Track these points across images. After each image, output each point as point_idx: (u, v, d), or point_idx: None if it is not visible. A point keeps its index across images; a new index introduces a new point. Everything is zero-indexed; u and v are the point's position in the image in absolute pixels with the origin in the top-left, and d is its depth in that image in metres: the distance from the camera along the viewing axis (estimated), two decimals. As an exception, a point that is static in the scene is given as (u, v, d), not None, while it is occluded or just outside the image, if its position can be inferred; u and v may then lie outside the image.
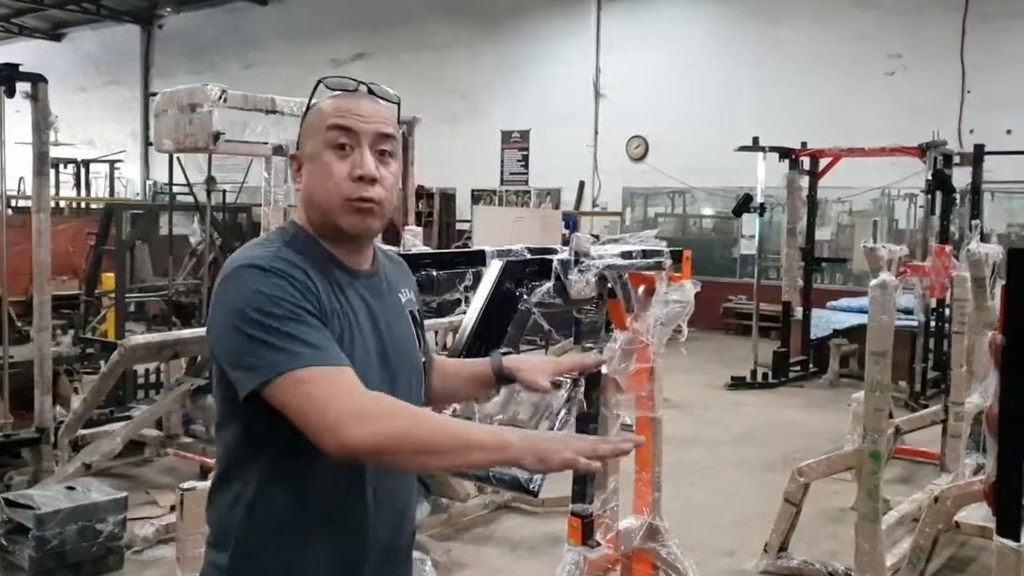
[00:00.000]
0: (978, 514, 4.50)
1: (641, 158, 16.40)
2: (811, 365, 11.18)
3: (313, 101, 1.84)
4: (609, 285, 3.25)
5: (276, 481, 1.74)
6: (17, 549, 4.68)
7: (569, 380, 2.15)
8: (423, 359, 1.97)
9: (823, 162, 11.13)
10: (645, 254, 3.41)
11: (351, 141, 1.76)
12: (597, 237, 3.55)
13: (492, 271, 2.87)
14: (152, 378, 7.99)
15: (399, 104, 1.89)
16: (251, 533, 1.75)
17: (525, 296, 2.85)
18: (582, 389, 2.18)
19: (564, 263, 2.96)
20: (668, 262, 3.48)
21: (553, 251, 3.12)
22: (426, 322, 2.08)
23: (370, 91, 1.83)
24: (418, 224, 9.85)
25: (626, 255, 3.29)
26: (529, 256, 3.01)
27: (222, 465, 1.81)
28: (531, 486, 2.16)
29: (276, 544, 1.75)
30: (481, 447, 1.58)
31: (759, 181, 11.11)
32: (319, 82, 1.84)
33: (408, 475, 1.93)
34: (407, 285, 2.00)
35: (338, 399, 1.58)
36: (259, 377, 1.60)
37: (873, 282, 4.27)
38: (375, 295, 1.85)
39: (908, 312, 9.39)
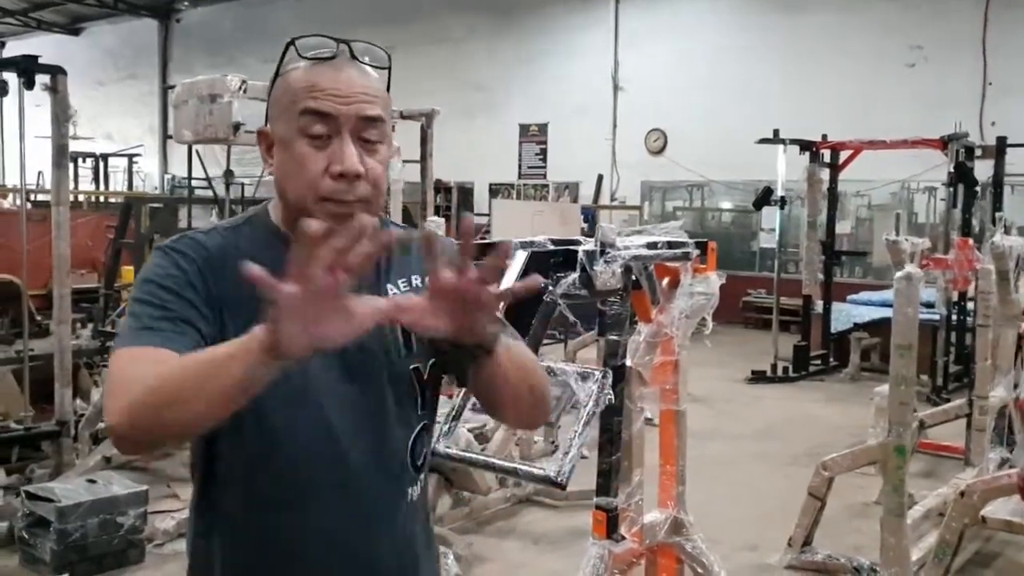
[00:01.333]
0: (1004, 508, 4.46)
1: (660, 151, 16.34)
2: (832, 359, 11.12)
3: (283, 66, 1.52)
4: (634, 277, 3.21)
5: (210, 531, 1.57)
6: (39, 542, 4.69)
7: (599, 372, 2.09)
8: (416, 363, 1.60)
9: (844, 155, 11.06)
10: (670, 245, 3.37)
11: (328, 128, 1.45)
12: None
13: (516, 262, 2.84)
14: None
15: (389, 68, 1.56)
16: None
17: (550, 288, 2.82)
18: (609, 381, 2.14)
19: (590, 254, 2.93)
20: (695, 253, 3.44)
21: (577, 242, 3.09)
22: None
23: (352, 54, 1.50)
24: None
25: (652, 246, 3.26)
26: (553, 247, 2.98)
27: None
28: (559, 479, 2.14)
29: None
30: (229, 359, 1.23)
31: (779, 174, 11.05)
32: (290, 43, 1.51)
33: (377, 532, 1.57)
34: (419, 272, 1.62)
35: (114, 381, 1.37)
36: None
37: (898, 274, 4.22)
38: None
39: (929, 305, 9.32)
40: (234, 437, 1.47)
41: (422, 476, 1.66)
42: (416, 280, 1.62)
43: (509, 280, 2.77)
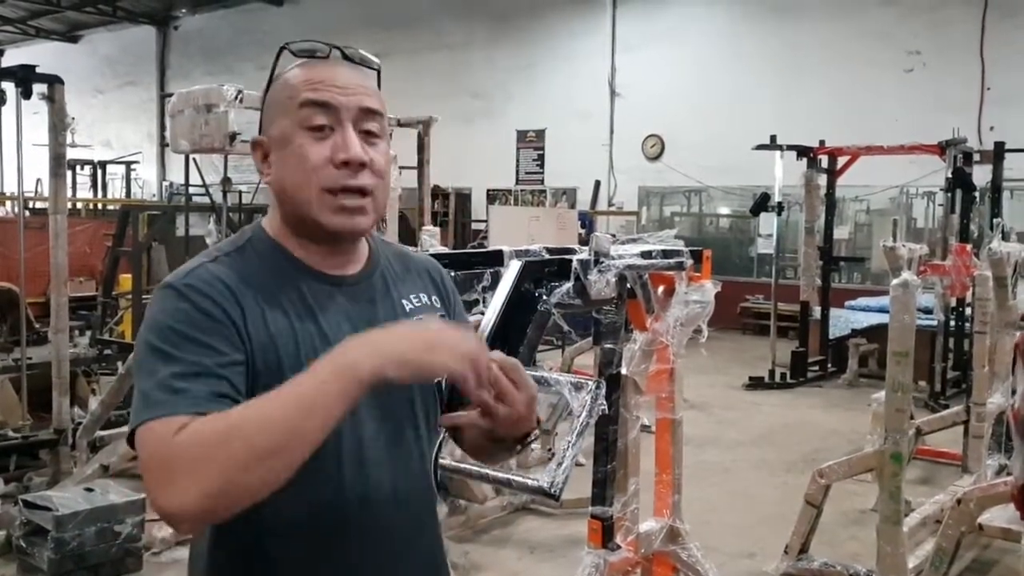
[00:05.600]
0: (1002, 516, 4.45)
1: (657, 157, 16.35)
2: (830, 365, 11.11)
3: (277, 72, 1.51)
4: (629, 285, 3.21)
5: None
6: (36, 551, 4.68)
7: (592, 383, 2.09)
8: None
9: (841, 160, 11.06)
10: (665, 254, 3.38)
11: (330, 119, 1.43)
12: (614, 236, 3.50)
13: (511, 272, 2.84)
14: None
15: (379, 72, 1.57)
16: None
17: (544, 297, 2.82)
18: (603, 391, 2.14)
19: (584, 263, 2.93)
20: (689, 262, 3.45)
21: (572, 251, 3.09)
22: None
23: (344, 55, 1.51)
24: (434, 224, 9.85)
25: (646, 255, 3.26)
26: (548, 256, 2.98)
27: None
28: (552, 490, 2.15)
29: None
30: (324, 401, 1.21)
31: (777, 180, 11.04)
32: (283, 48, 1.50)
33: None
34: (424, 290, 1.63)
35: (154, 458, 1.23)
36: (129, 426, 1.31)
37: (895, 281, 4.21)
38: (360, 303, 1.52)
39: (927, 311, 9.32)
40: None
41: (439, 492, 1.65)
42: (424, 298, 1.62)
43: (504, 289, 2.77)
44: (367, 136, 1.46)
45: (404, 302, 1.58)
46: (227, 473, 1.18)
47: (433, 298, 1.64)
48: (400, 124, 7.28)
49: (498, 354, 1.36)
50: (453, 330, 1.31)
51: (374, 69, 1.55)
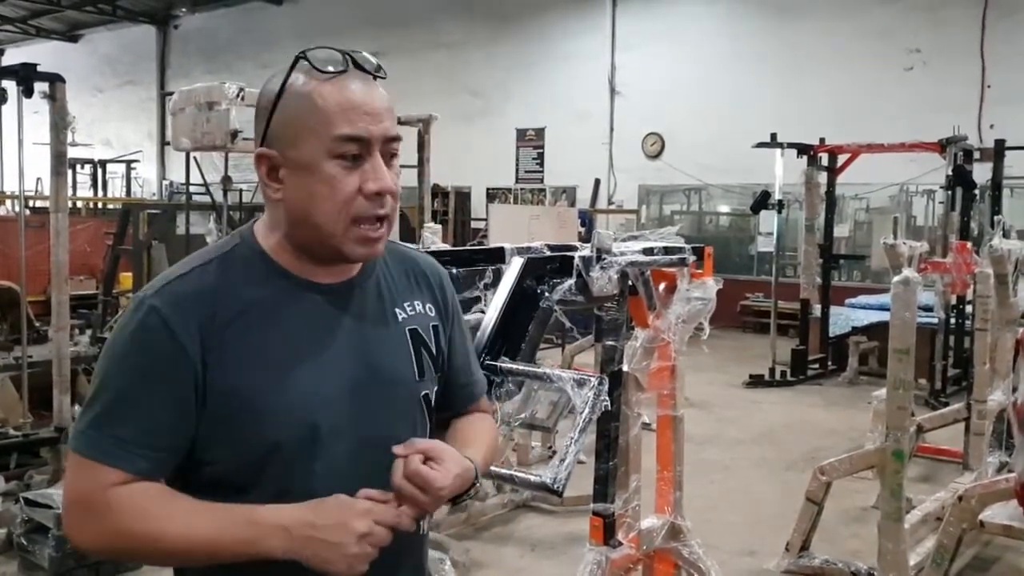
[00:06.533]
0: (1003, 513, 4.45)
1: (657, 155, 16.35)
2: (830, 363, 11.11)
3: (297, 83, 1.44)
4: (631, 282, 3.21)
5: None
6: (37, 549, 4.68)
7: (595, 379, 2.09)
8: (426, 389, 1.61)
9: (841, 158, 11.05)
10: (667, 251, 3.37)
11: (360, 149, 1.42)
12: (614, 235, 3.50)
13: (513, 269, 2.84)
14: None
15: (384, 78, 1.52)
16: None
17: (546, 293, 2.82)
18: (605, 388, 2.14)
19: (586, 260, 2.93)
20: (691, 259, 3.45)
21: (574, 248, 3.09)
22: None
23: (356, 64, 1.45)
24: (433, 223, 9.85)
25: (648, 252, 3.26)
26: (550, 253, 2.98)
27: None
28: (555, 486, 2.15)
29: None
30: (229, 553, 1.36)
31: (777, 178, 11.03)
32: (299, 57, 1.44)
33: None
34: (421, 297, 1.64)
35: (81, 496, 1.39)
36: (72, 435, 1.45)
37: (896, 278, 4.21)
38: (349, 312, 1.52)
39: (928, 309, 9.32)
40: (241, 496, 1.42)
41: None
42: (420, 306, 1.62)
43: (505, 286, 2.77)
44: (388, 159, 1.47)
45: (397, 311, 1.58)
46: (126, 555, 1.51)
47: (428, 306, 1.64)
48: (400, 122, 7.27)
49: (424, 444, 1.44)
50: (358, 519, 1.36)
51: (383, 77, 1.50)
